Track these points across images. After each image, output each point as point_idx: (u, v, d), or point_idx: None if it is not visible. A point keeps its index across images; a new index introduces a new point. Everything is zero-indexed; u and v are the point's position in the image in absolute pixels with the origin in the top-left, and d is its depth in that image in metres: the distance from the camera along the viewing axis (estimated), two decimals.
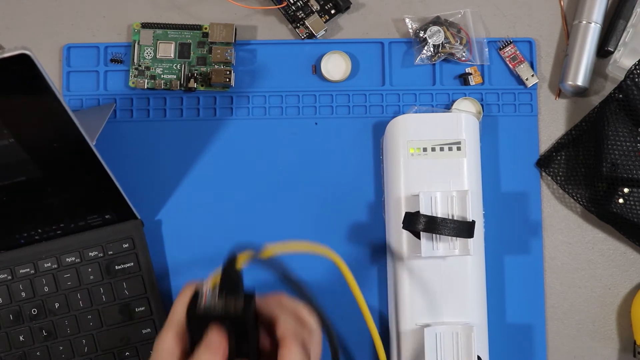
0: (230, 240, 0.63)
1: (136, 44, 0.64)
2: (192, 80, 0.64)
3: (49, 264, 0.59)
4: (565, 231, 0.64)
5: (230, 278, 0.46)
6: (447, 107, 0.64)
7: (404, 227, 0.57)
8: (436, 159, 0.59)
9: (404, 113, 0.63)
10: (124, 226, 0.60)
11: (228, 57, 0.63)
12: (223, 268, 0.46)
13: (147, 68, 0.64)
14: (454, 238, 0.57)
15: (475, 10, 0.66)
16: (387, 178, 0.61)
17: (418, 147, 0.59)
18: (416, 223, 0.56)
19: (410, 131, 0.60)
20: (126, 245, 0.60)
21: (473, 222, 0.56)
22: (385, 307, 0.62)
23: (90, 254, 0.60)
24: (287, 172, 0.64)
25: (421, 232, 0.56)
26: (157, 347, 0.47)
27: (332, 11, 0.65)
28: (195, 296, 0.46)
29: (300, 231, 0.63)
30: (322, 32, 0.64)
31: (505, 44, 0.65)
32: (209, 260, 0.63)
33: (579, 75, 0.63)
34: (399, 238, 0.59)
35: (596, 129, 0.61)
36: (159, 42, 0.64)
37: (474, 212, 0.58)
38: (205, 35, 0.64)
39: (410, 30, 0.65)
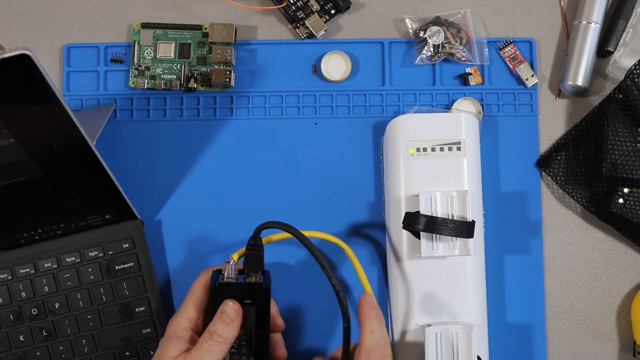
0: (230, 240, 0.63)
1: (136, 44, 0.64)
2: (192, 80, 0.64)
3: (49, 264, 0.59)
4: (565, 231, 0.64)
5: (252, 254, 0.51)
6: (447, 107, 0.64)
7: (404, 227, 0.57)
8: (436, 159, 0.59)
9: (404, 113, 0.63)
10: (124, 226, 0.60)
11: (228, 57, 0.63)
12: (247, 245, 0.52)
13: (147, 68, 0.64)
14: (454, 238, 0.57)
15: (475, 10, 0.66)
16: (387, 178, 0.61)
17: (418, 147, 0.59)
18: (416, 223, 0.56)
19: (410, 131, 0.60)
20: (126, 245, 0.60)
21: (473, 222, 0.56)
22: (385, 307, 0.62)
23: (90, 254, 0.60)
24: (287, 172, 0.64)
25: (421, 232, 0.56)
26: (176, 317, 0.51)
27: (332, 11, 0.65)
28: (217, 273, 0.51)
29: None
30: (322, 32, 0.65)
31: (505, 44, 0.65)
32: (209, 259, 0.63)
33: (579, 75, 0.63)
34: (399, 238, 0.59)
35: (596, 129, 0.61)
36: (159, 42, 0.64)
37: (474, 212, 0.58)
38: (205, 35, 0.64)
39: (410, 30, 0.65)
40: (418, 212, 0.57)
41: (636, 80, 0.59)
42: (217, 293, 0.50)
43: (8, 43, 0.65)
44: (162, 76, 0.64)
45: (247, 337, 0.51)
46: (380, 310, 0.51)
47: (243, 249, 0.52)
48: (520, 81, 0.65)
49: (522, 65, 0.65)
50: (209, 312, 0.51)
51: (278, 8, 0.65)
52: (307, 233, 0.52)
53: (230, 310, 0.49)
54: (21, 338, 0.59)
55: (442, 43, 0.64)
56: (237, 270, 0.51)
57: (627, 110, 0.60)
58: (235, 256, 0.51)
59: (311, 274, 0.62)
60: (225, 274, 0.50)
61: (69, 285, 0.59)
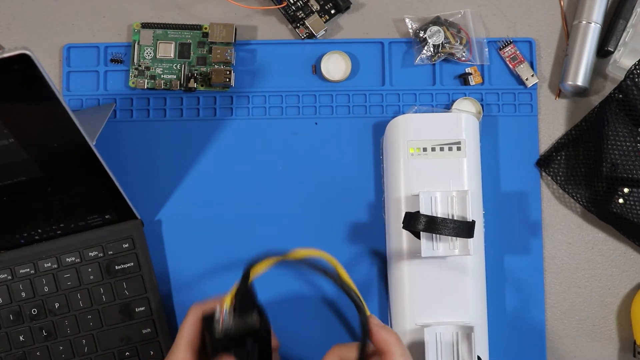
0: (230, 240, 0.63)
1: (136, 44, 0.64)
2: (192, 80, 0.64)
3: (49, 264, 0.59)
4: (565, 231, 0.64)
5: (245, 297, 0.47)
6: (447, 107, 0.64)
7: (404, 227, 0.57)
8: (436, 158, 0.59)
9: (404, 113, 0.63)
10: (124, 226, 0.60)
11: (228, 57, 0.63)
12: (237, 288, 0.47)
13: (147, 68, 0.64)
14: (454, 238, 0.57)
15: (475, 10, 0.66)
16: (387, 178, 0.61)
17: (418, 147, 0.59)
18: (416, 223, 0.56)
19: (410, 131, 0.60)
20: (126, 245, 0.60)
21: (473, 222, 0.56)
22: (385, 307, 0.62)
23: (90, 254, 0.60)
24: (287, 172, 0.64)
25: (421, 232, 0.56)
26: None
27: (332, 11, 0.65)
28: (209, 320, 0.48)
29: (300, 231, 0.63)
30: (322, 32, 0.65)
31: (505, 44, 0.65)
32: (209, 260, 0.63)
33: (579, 75, 0.63)
34: (399, 238, 0.59)
35: (596, 129, 0.61)
36: (159, 42, 0.64)
37: (474, 212, 0.58)
38: (205, 35, 0.64)
39: (410, 30, 0.65)
40: (418, 212, 0.57)
41: (636, 80, 0.59)
42: (219, 343, 0.47)
43: (8, 43, 0.65)
44: (162, 76, 0.64)
45: None
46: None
47: (234, 290, 0.48)
48: (520, 81, 0.65)
49: (522, 65, 0.65)
50: (204, 353, 0.49)
51: (278, 8, 0.65)
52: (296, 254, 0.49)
53: None
54: (21, 338, 0.59)
55: (442, 43, 0.64)
56: (232, 310, 0.48)
57: (627, 110, 0.60)
58: (227, 300, 0.48)
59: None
60: (220, 320, 0.47)
61: (69, 285, 0.59)
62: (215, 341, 0.47)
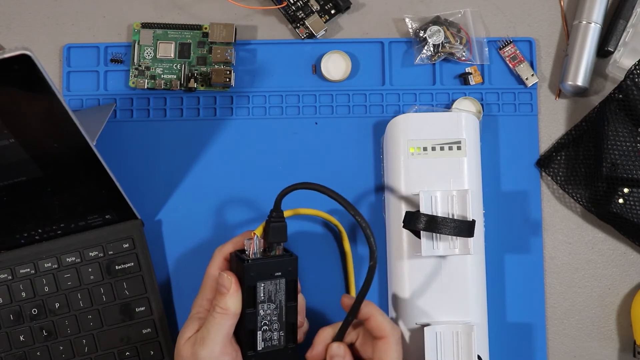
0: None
1: (136, 44, 0.64)
2: (192, 80, 0.64)
3: (49, 264, 0.59)
4: (565, 231, 0.64)
5: (277, 226, 0.52)
6: (447, 107, 0.64)
7: (404, 227, 0.57)
8: (436, 158, 0.59)
9: (404, 112, 0.63)
10: (124, 226, 0.60)
11: (228, 57, 0.63)
12: (269, 217, 0.53)
13: (147, 68, 0.64)
14: (454, 237, 0.57)
15: (475, 9, 0.66)
16: (387, 177, 0.61)
17: (418, 146, 0.59)
18: (416, 222, 0.56)
19: (410, 130, 0.60)
20: (126, 245, 0.60)
21: (473, 222, 0.56)
22: (385, 307, 0.62)
23: (90, 254, 0.60)
24: (287, 171, 0.64)
25: (421, 232, 0.56)
26: (197, 299, 0.54)
27: (332, 11, 0.65)
28: (240, 254, 0.51)
29: (300, 230, 0.63)
30: (322, 32, 0.65)
31: (505, 44, 0.65)
32: (209, 260, 0.62)
33: (579, 75, 0.63)
34: (399, 237, 0.59)
35: (596, 129, 0.61)
36: (159, 42, 0.64)
37: (474, 211, 0.58)
38: (205, 35, 0.64)
39: (410, 30, 0.65)
40: (418, 211, 0.57)
41: (636, 80, 0.59)
42: (250, 270, 0.50)
43: (8, 43, 0.65)
44: (162, 76, 0.64)
45: (278, 312, 0.52)
46: None
47: (262, 225, 0.53)
48: (520, 81, 0.65)
49: (522, 65, 0.65)
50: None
51: (278, 8, 0.65)
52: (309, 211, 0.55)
53: (224, 280, 0.50)
54: (21, 338, 0.59)
55: (442, 43, 0.64)
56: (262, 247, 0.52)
57: (627, 110, 0.60)
58: (258, 231, 0.53)
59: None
60: (250, 251, 0.51)
61: (69, 285, 0.59)
62: (248, 267, 0.50)
